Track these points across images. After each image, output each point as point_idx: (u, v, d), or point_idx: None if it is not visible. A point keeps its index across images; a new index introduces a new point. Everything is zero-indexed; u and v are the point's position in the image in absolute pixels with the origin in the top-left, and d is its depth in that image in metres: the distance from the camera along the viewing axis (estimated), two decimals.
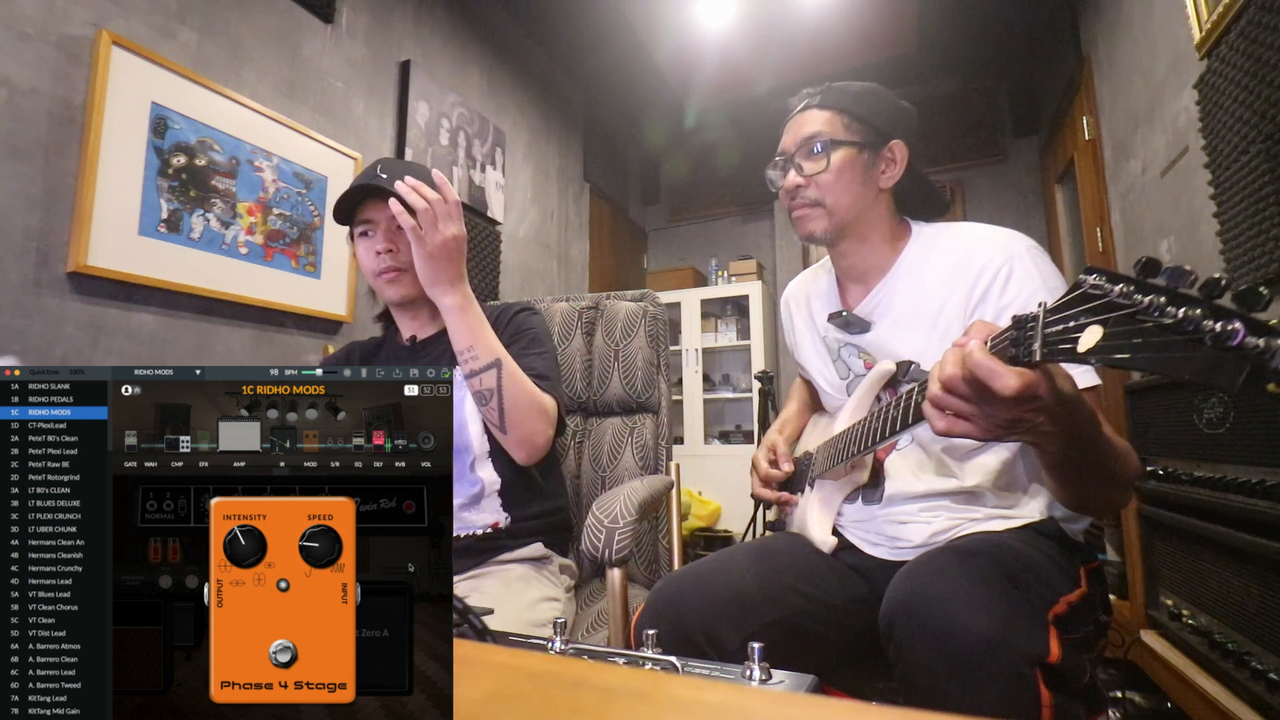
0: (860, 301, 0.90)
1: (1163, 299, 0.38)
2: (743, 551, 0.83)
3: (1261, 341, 0.33)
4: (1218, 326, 0.35)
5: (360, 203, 0.99)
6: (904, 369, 0.85)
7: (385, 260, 0.99)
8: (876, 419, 0.73)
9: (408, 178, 0.87)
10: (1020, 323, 0.49)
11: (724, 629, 0.69)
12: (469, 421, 0.99)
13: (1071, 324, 0.44)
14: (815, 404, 1.11)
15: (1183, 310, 0.37)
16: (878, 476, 0.87)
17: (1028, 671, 0.53)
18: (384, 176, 0.94)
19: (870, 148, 0.86)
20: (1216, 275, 0.37)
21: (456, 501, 0.97)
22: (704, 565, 0.80)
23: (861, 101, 0.87)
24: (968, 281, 0.79)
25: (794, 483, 0.98)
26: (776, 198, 0.95)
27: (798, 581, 0.77)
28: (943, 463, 0.81)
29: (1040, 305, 0.48)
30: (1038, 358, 0.46)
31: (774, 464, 0.97)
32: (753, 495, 1.00)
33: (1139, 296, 0.39)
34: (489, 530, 0.97)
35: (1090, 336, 0.42)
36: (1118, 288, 0.41)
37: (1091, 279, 0.43)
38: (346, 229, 1.05)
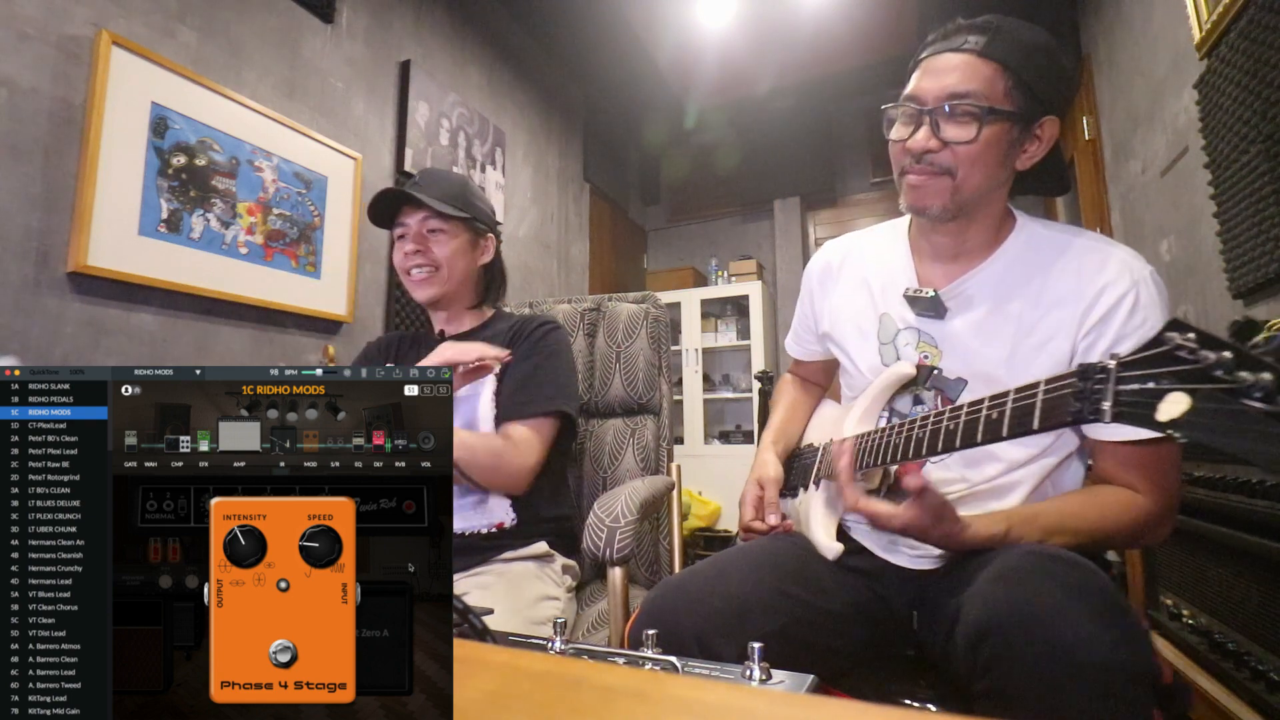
0: (947, 285, 0.78)
1: (1267, 379, 0.32)
2: (739, 557, 0.79)
3: None
4: None
5: (397, 208, 1.08)
6: (925, 374, 0.80)
7: (415, 260, 1.07)
8: (908, 433, 0.68)
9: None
10: (1087, 373, 0.44)
11: (720, 640, 0.67)
12: (480, 424, 0.99)
13: (1150, 385, 0.38)
14: (811, 399, 1.07)
15: None
16: (899, 485, 0.83)
17: (1144, 692, 0.51)
18: (421, 184, 1.07)
19: (1023, 122, 0.72)
20: None
21: (463, 501, 0.97)
22: (699, 573, 0.75)
23: (1033, 60, 0.70)
24: (1087, 298, 0.71)
25: (794, 475, 0.95)
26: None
27: (795, 588, 0.74)
28: (971, 477, 0.78)
29: (1112, 358, 0.42)
30: (1107, 419, 0.42)
31: (760, 504, 0.90)
32: (743, 528, 0.92)
33: (1244, 374, 0.34)
34: (493, 529, 0.97)
35: (1173, 406, 0.37)
36: (1215, 356, 0.35)
37: (1179, 338, 0.38)
38: (387, 233, 1.15)
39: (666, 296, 3.29)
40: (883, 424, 0.85)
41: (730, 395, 3.99)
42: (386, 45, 2.30)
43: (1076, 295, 0.72)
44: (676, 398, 3.80)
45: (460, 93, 2.67)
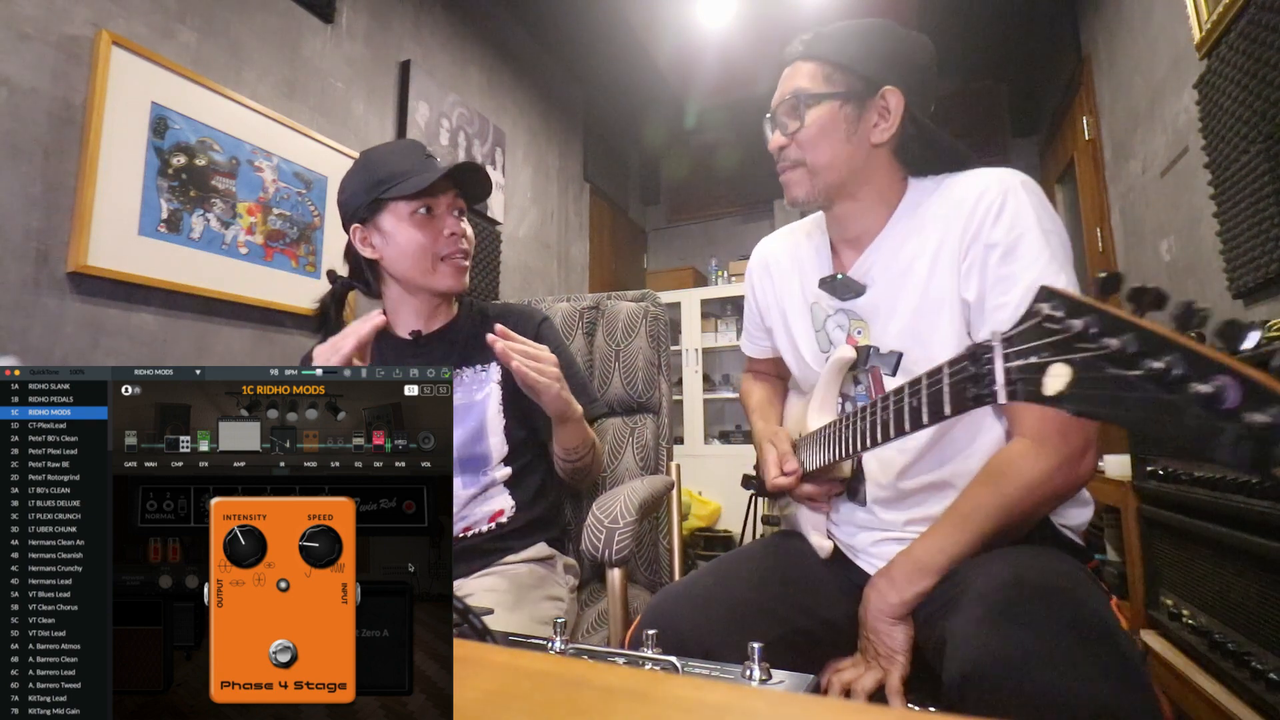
0: (854, 263, 0.82)
1: (1129, 341, 0.31)
2: (741, 562, 0.79)
3: (1265, 416, 0.26)
4: (1204, 388, 0.28)
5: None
6: (864, 354, 0.80)
7: (457, 244, 0.97)
8: (859, 422, 0.67)
9: (493, 340, 0.84)
10: (976, 354, 0.43)
11: (724, 648, 0.66)
12: (490, 433, 1.00)
13: (1034, 359, 0.37)
14: (778, 391, 1.06)
15: (1161, 361, 0.29)
16: (859, 473, 0.82)
17: None
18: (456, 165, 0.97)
19: (854, 99, 0.77)
20: (1188, 301, 0.30)
21: (465, 493, 0.98)
22: (702, 579, 0.76)
23: (846, 48, 0.78)
24: (962, 218, 0.73)
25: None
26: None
27: (799, 595, 0.75)
28: (922, 461, 0.77)
29: (995, 335, 0.41)
30: (1001, 398, 0.40)
31: (781, 460, 0.86)
32: (773, 488, 0.89)
33: (1108, 340, 0.32)
34: (491, 526, 0.97)
35: (1056, 380, 0.35)
36: (1080, 323, 0.34)
37: (1047, 308, 0.36)
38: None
39: (666, 296, 3.29)
40: (842, 410, 0.86)
41: (730, 395, 3.98)
42: (386, 45, 2.30)
43: (955, 218, 0.73)
44: (676, 398, 3.80)
45: (460, 93, 2.67)
